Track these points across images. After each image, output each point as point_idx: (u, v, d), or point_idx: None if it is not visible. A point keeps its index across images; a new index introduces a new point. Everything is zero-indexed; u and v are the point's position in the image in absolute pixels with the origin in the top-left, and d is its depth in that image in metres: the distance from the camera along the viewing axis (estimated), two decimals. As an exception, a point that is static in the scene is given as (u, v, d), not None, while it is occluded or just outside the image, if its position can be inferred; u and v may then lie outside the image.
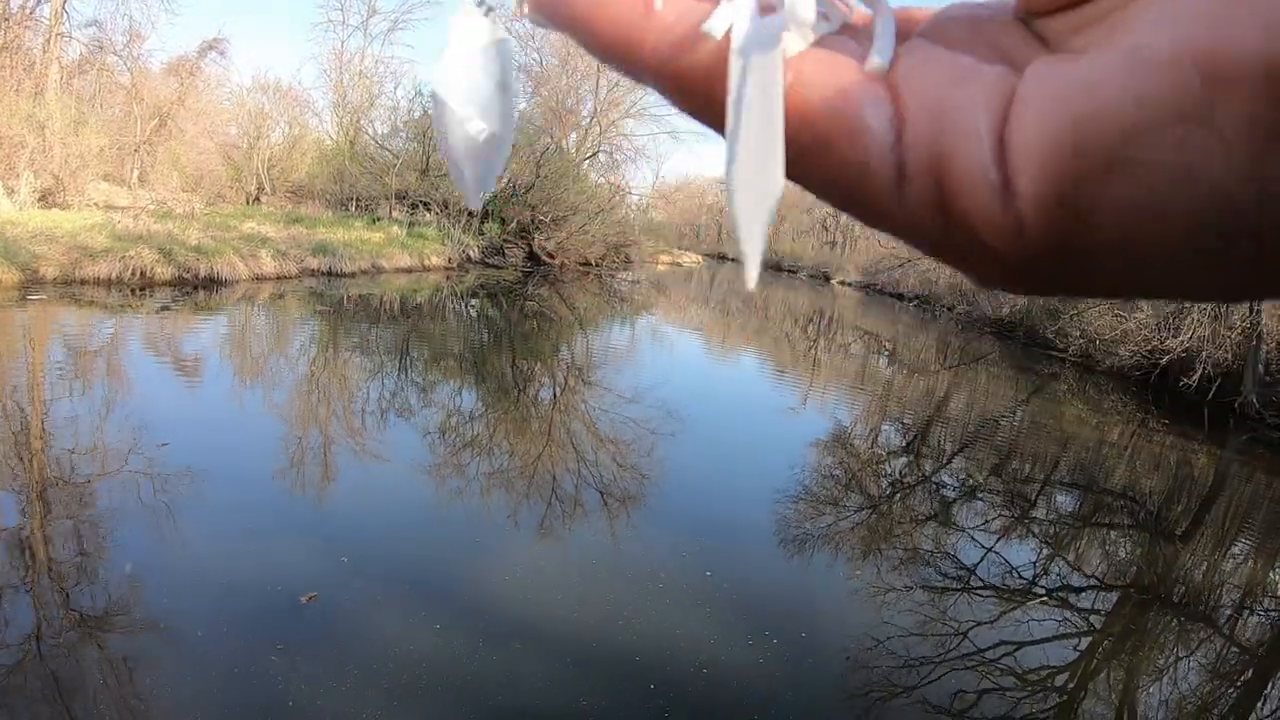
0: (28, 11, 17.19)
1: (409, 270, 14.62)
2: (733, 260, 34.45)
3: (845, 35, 0.18)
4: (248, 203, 19.34)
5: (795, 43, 0.16)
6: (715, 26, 0.16)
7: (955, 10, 0.19)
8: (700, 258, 39.17)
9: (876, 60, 0.16)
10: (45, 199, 13.09)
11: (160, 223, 11.50)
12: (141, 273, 9.86)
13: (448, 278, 14.69)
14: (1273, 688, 3.32)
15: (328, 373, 6.87)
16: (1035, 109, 0.14)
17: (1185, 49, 0.12)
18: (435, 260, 15.66)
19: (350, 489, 4.14)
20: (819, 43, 0.17)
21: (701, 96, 0.17)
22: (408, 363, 7.58)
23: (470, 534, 3.67)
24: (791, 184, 0.17)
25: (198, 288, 10.11)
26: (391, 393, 6.29)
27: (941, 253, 0.16)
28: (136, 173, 18.75)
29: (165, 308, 8.74)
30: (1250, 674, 3.40)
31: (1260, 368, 10.48)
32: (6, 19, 16.13)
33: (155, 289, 9.68)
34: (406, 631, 2.71)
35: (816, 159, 0.16)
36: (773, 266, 36.43)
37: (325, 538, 3.42)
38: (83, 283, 9.28)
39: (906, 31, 0.19)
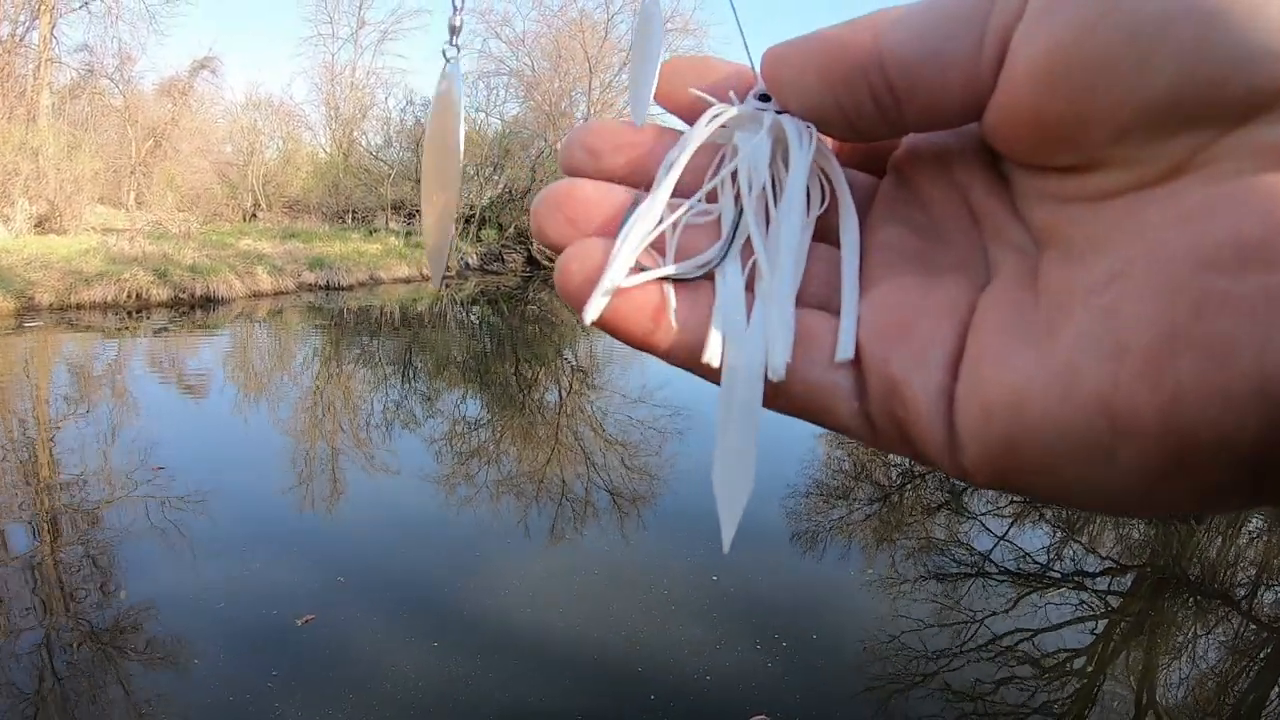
0: (17, 39, 17.19)
1: (407, 280, 14.56)
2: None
3: (818, 251, 0.21)
4: (244, 219, 19.30)
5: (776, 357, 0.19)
6: (712, 357, 0.19)
7: (922, 144, 0.21)
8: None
9: (842, 353, 0.19)
10: (41, 225, 13.06)
11: (155, 244, 11.47)
12: (137, 295, 9.83)
13: (447, 286, 14.63)
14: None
15: (329, 386, 6.83)
16: (975, 410, 0.16)
17: (1106, 398, 0.14)
18: (434, 269, 15.56)
19: (349, 504, 4.09)
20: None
21: (702, 375, 0.20)
22: (409, 373, 7.54)
23: (467, 545, 3.62)
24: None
25: (194, 307, 10.08)
26: (394, 403, 6.24)
27: (911, 459, 0.19)
28: (133, 194, 18.74)
29: (162, 329, 8.72)
30: (1270, 650, 3.34)
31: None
32: (-5, 48, 16.14)
33: (152, 310, 9.65)
34: (404, 650, 2.66)
35: (798, 416, 0.20)
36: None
37: (323, 556, 3.38)
38: (79, 307, 9.25)
39: (877, 163, 0.22)
